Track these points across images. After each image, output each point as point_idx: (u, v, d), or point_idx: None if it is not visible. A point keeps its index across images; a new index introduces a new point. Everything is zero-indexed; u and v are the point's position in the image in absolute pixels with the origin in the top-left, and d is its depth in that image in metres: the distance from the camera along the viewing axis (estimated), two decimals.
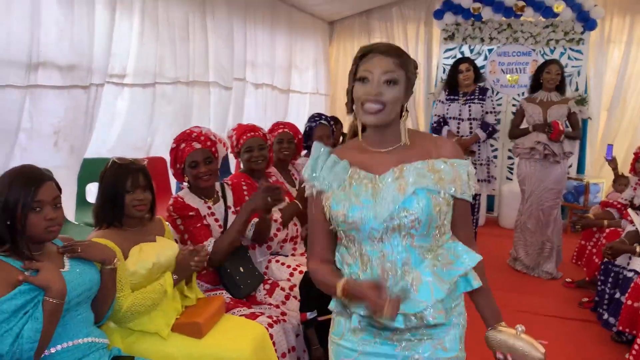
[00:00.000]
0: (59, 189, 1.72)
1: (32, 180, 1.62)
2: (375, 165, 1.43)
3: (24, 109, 2.89)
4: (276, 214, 2.84)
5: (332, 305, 1.49)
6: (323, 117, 3.62)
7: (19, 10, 2.74)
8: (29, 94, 2.90)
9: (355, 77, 1.41)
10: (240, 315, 2.37)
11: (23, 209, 1.59)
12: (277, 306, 2.58)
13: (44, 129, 3.08)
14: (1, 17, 2.67)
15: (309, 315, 2.48)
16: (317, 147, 1.48)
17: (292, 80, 6.37)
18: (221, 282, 2.54)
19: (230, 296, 2.53)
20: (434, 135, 1.50)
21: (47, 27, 2.92)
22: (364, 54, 1.41)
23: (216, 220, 2.54)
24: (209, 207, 2.54)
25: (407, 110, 1.46)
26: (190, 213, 2.45)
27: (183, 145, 2.49)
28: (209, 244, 2.43)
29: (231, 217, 2.59)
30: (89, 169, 3.36)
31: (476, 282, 1.43)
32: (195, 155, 2.46)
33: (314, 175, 1.46)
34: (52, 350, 1.66)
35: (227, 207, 2.63)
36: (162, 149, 4.18)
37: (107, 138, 3.76)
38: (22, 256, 1.62)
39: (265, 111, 5.74)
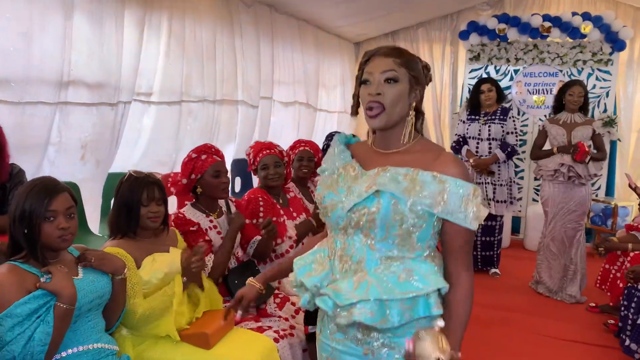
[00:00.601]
0: (75, 200, 1.79)
1: (47, 191, 1.70)
2: (369, 162, 1.47)
3: (53, 124, 3.04)
4: (291, 231, 2.88)
5: (303, 302, 1.50)
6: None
7: (52, 31, 2.90)
8: (59, 110, 3.05)
9: (359, 81, 1.45)
10: (248, 329, 2.40)
11: (37, 219, 1.67)
12: (287, 319, 2.61)
13: (72, 143, 3.22)
14: (36, 37, 2.83)
15: (311, 329, 2.50)
16: (338, 137, 1.58)
17: (320, 99, 6.47)
18: (230, 294, 2.58)
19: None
20: (446, 151, 1.49)
21: (78, 47, 3.08)
22: (368, 59, 1.44)
23: (218, 232, 2.59)
24: (211, 221, 2.59)
25: (418, 111, 1.46)
26: (192, 228, 2.50)
27: (204, 155, 2.56)
28: (210, 260, 2.48)
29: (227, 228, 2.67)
30: (113, 183, 3.45)
31: (435, 310, 1.35)
32: (219, 166, 2.60)
33: (326, 161, 1.55)
34: (63, 354, 1.72)
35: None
36: None
37: (133, 153, 3.89)
38: (39, 262, 1.70)
39: (296, 129, 5.83)
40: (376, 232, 1.37)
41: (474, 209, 1.36)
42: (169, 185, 2.56)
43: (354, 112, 1.51)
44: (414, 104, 1.45)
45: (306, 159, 3.32)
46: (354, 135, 1.65)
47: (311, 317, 2.49)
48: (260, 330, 2.40)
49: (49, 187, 1.72)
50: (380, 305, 1.33)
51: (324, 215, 1.48)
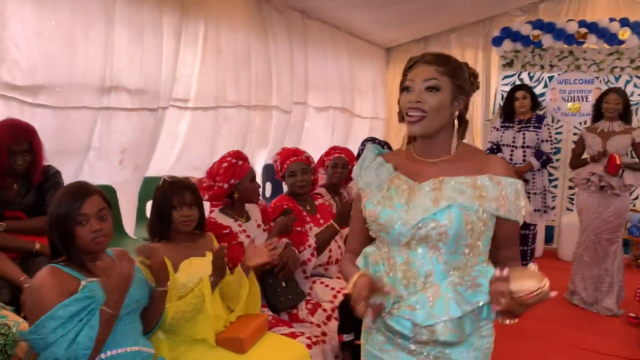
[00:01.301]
0: (107, 202, 1.80)
1: (77, 195, 1.73)
2: (417, 173, 1.44)
3: (95, 129, 3.12)
4: (311, 239, 2.86)
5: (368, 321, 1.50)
6: (376, 140, 3.67)
7: (95, 39, 2.99)
8: (101, 116, 3.13)
9: (401, 87, 1.44)
10: (281, 334, 2.42)
11: (70, 223, 1.70)
12: (319, 325, 2.61)
13: (112, 148, 3.30)
14: (80, 45, 2.92)
15: (346, 337, 2.49)
16: (369, 148, 1.55)
17: (354, 104, 6.48)
18: (263, 294, 2.60)
19: (272, 314, 2.58)
20: (488, 153, 1.48)
21: (119, 54, 3.16)
22: (411, 65, 1.43)
23: (248, 236, 2.60)
24: (240, 225, 2.61)
25: (461, 120, 1.44)
26: (225, 231, 2.53)
27: (241, 162, 2.60)
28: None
29: (261, 234, 2.68)
30: (149, 187, 3.54)
31: (497, 312, 1.32)
32: (252, 172, 2.65)
33: (359, 174, 1.52)
34: (102, 356, 1.73)
35: (257, 225, 2.72)
36: None
37: (168, 158, 3.96)
38: (79, 265, 1.73)
39: (330, 134, 5.86)
40: (447, 245, 1.35)
41: (523, 203, 1.38)
42: (204, 192, 2.59)
43: (401, 119, 1.47)
44: (457, 113, 1.42)
45: (340, 166, 3.32)
46: (382, 146, 1.63)
47: (345, 325, 2.50)
48: (292, 335, 2.41)
49: (79, 191, 1.74)
50: (458, 320, 1.35)
51: (379, 232, 1.44)
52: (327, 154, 3.40)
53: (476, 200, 1.34)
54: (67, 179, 2.79)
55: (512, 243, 1.44)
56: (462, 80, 1.41)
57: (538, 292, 1.18)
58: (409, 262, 1.39)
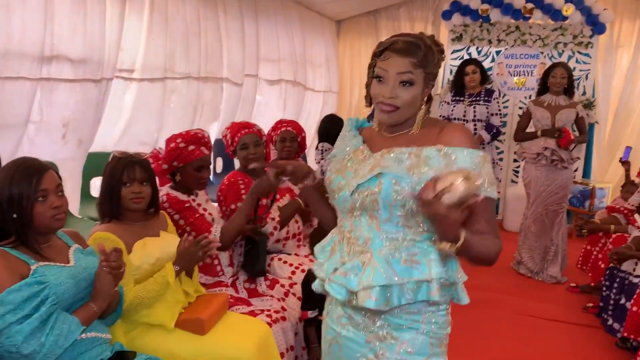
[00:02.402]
0: (59, 178, 1.72)
1: (33, 170, 1.62)
2: (377, 145, 1.46)
3: (34, 101, 2.90)
4: (274, 212, 2.83)
5: (315, 285, 1.52)
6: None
7: (33, 3, 2.75)
8: (41, 87, 2.92)
9: (372, 73, 1.41)
10: (241, 313, 2.37)
11: (28, 200, 1.59)
12: (279, 299, 2.58)
13: (53, 121, 3.09)
14: (16, 9, 2.69)
15: (310, 314, 2.48)
16: (347, 121, 1.59)
17: (307, 77, 6.38)
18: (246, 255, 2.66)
19: (232, 294, 2.54)
20: (449, 122, 1.49)
21: (60, 20, 2.93)
22: (382, 50, 1.39)
23: (204, 209, 2.55)
24: (194, 200, 2.54)
25: (428, 100, 1.43)
26: (186, 205, 2.46)
27: (192, 147, 2.47)
28: (216, 231, 2.44)
29: (208, 205, 2.64)
30: (94, 163, 3.38)
31: (434, 296, 1.33)
32: (204, 161, 2.52)
33: (338, 145, 1.56)
34: None
35: (207, 200, 2.67)
36: None
37: (113, 132, 3.77)
38: (30, 248, 1.63)
39: (282, 108, 5.76)
40: (380, 213, 1.36)
41: (487, 175, 1.32)
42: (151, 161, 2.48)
43: (368, 103, 1.49)
44: (425, 98, 1.43)
45: (289, 139, 3.25)
46: (368, 120, 1.62)
47: (309, 302, 2.48)
48: (252, 314, 2.37)
49: (34, 167, 1.64)
50: (382, 289, 1.34)
51: (332, 200, 1.49)
52: (274, 128, 3.31)
53: (411, 170, 1.32)
54: (6, 155, 2.59)
55: (477, 217, 1.34)
56: (432, 67, 1.39)
57: (462, 182, 1.15)
58: (352, 229, 1.43)
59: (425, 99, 1.43)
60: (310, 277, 2.55)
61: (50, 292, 1.57)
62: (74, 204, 3.40)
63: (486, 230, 1.36)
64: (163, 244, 2.11)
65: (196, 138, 2.50)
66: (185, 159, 2.45)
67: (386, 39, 1.42)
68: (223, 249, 2.51)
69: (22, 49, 2.73)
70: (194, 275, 2.28)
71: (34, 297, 1.55)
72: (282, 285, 2.66)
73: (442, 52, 1.44)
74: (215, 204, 2.78)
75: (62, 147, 3.19)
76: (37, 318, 1.53)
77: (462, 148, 1.32)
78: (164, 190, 2.48)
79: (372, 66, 1.43)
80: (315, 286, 1.50)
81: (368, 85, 1.45)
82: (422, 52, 1.36)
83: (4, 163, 1.75)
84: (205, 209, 2.55)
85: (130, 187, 2.04)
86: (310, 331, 2.53)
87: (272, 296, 2.60)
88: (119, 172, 2.03)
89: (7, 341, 1.51)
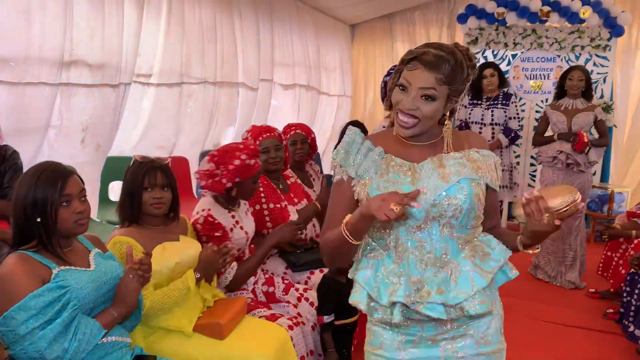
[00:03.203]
0: (82, 183, 1.73)
1: (58, 175, 1.63)
2: (411, 154, 1.42)
3: (54, 106, 2.94)
4: (293, 216, 2.83)
5: (354, 299, 1.43)
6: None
7: (53, 9, 2.79)
8: (60, 92, 2.95)
9: (397, 80, 1.40)
10: (261, 317, 2.37)
11: (53, 205, 1.60)
12: (295, 305, 2.58)
13: (73, 126, 3.12)
14: (35, 15, 2.72)
15: (326, 318, 2.47)
16: (352, 132, 1.47)
17: (321, 81, 6.39)
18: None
19: (252, 297, 2.54)
20: (462, 131, 1.58)
21: (78, 26, 2.97)
22: (410, 59, 1.37)
23: (241, 228, 2.52)
24: (233, 217, 2.50)
25: (450, 115, 1.44)
26: (217, 234, 2.38)
27: (252, 161, 2.41)
28: (232, 270, 2.42)
29: (248, 220, 2.62)
30: (112, 167, 3.41)
31: (513, 273, 1.44)
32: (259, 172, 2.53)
33: (348, 160, 1.43)
34: None
35: (246, 212, 2.64)
36: (186, 149, 4.22)
37: (131, 137, 3.80)
38: (52, 253, 1.63)
39: (296, 112, 5.77)
40: (459, 218, 1.36)
41: (499, 174, 1.46)
42: (198, 178, 2.45)
43: (388, 107, 1.47)
44: (448, 113, 1.44)
45: (300, 142, 3.27)
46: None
47: (325, 306, 2.47)
48: (273, 317, 2.36)
49: (59, 171, 1.65)
50: (484, 290, 1.37)
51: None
52: (284, 132, 3.31)
53: (476, 171, 1.38)
54: (26, 159, 2.63)
55: (495, 211, 1.52)
56: (459, 83, 1.37)
57: (574, 202, 1.27)
58: (422, 244, 1.37)
59: (448, 113, 1.42)
60: (326, 281, 2.55)
61: (71, 297, 1.58)
62: (92, 208, 3.42)
63: (499, 224, 1.56)
64: (183, 249, 2.11)
65: (255, 151, 2.47)
66: (247, 173, 2.42)
67: (418, 47, 1.39)
68: (231, 289, 2.48)
69: (42, 55, 2.76)
70: (213, 281, 2.28)
71: (56, 302, 1.55)
72: (297, 289, 2.66)
73: (473, 67, 1.41)
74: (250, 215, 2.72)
75: (81, 151, 3.22)
76: (60, 323, 1.53)
77: (486, 150, 1.45)
78: (206, 206, 2.41)
79: (398, 72, 1.41)
80: (396, 316, 1.37)
81: (391, 90, 1.42)
82: (450, 67, 1.33)
83: (25, 167, 1.76)
84: (241, 227, 2.51)
85: (151, 192, 2.05)
86: (327, 336, 2.51)
87: (288, 302, 2.60)
88: (141, 177, 2.04)
89: (31, 347, 1.51)
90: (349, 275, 1.48)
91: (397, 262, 1.39)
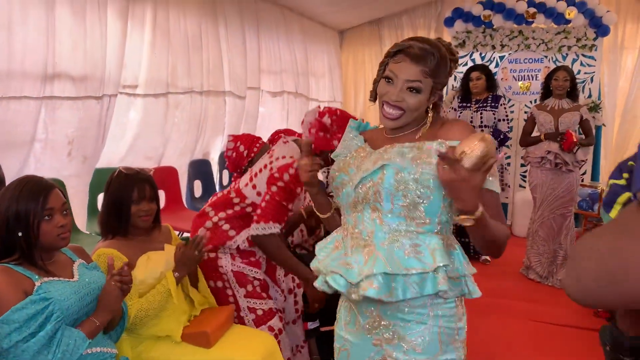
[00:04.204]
0: (66, 197, 1.74)
1: (40, 189, 1.65)
2: (379, 144, 1.48)
3: (39, 119, 2.94)
4: None
5: (318, 282, 1.48)
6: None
7: (34, 22, 2.80)
8: (44, 105, 2.95)
9: (383, 73, 1.44)
10: (259, 309, 2.38)
11: (35, 218, 1.61)
12: (285, 298, 2.58)
13: (59, 139, 3.12)
14: (17, 29, 2.72)
15: (311, 325, 2.47)
16: (350, 123, 1.60)
17: (310, 88, 6.40)
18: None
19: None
20: (452, 119, 1.52)
21: (61, 39, 2.97)
22: (396, 52, 1.41)
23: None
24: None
25: (433, 110, 1.45)
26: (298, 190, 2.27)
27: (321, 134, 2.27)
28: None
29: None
30: (101, 179, 3.39)
31: (441, 286, 1.31)
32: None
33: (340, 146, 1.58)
34: None
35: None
36: (173, 159, 4.22)
37: (119, 148, 3.80)
38: (34, 265, 1.64)
39: (285, 119, 5.78)
40: (382, 204, 1.36)
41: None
42: (309, 124, 2.20)
43: (373, 99, 1.51)
44: (431, 105, 1.45)
45: None
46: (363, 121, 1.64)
47: (310, 313, 2.47)
48: (270, 313, 2.37)
49: (40, 185, 1.66)
50: (385, 279, 1.32)
51: (336, 197, 1.50)
52: (271, 141, 3.30)
53: (414, 162, 1.34)
54: (13, 173, 2.63)
55: (486, 209, 1.29)
56: (443, 76, 1.42)
57: (482, 142, 1.18)
58: (356, 224, 1.43)
59: (431, 105, 1.45)
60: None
61: (55, 308, 1.58)
62: (81, 220, 3.43)
63: (496, 219, 1.36)
64: (167, 258, 2.11)
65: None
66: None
67: (403, 40, 1.43)
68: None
69: (25, 69, 2.76)
70: (200, 283, 2.28)
71: (39, 314, 1.55)
72: (293, 279, 2.66)
73: (456, 61, 1.46)
74: None
75: (68, 163, 3.21)
76: (44, 335, 1.53)
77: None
78: (293, 154, 2.28)
79: (383, 64, 1.45)
80: (318, 283, 1.47)
81: (376, 82, 1.47)
82: (435, 61, 1.38)
83: (9, 181, 1.77)
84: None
85: (139, 204, 2.05)
86: (311, 342, 2.52)
87: (282, 291, 2.59)
88: (129, 189, 2.04)
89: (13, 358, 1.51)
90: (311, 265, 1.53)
91: (343, 237, 1.47)
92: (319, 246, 1.55)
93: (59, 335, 1.57)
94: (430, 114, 1.45)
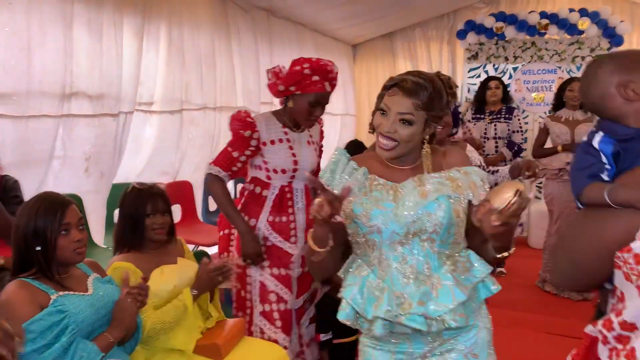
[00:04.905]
0: (82, 212, 1.80)
1: (57, 205, 1.70)
2: (393, 175, 1.50)
3: (57, 137, 3.02)
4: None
5: (343, 317, 1.48)
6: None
7: (53, 43, 2.89)
8: (62, 123, 3.04)
9: (378, 104, 1.48)
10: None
11: (52, 233, 1.66)
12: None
13: (76, 155, 3.20)
14: (36, 50, 2.82)
15: (323, 337, 2.49)
16: (339, 152, 1.55)
17: None
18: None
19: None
20: (441, 147, 1.56)
21: (78, 59, 3.06)
22: (391, 86, 1.45)
23: (290, 147, 2.41)
24: (286, 133, 2.41)
25: (431, 139, 1.51)
26: (243, 132, 2.35)
27: (317, 77, 2.26)
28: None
29: (305, 149, 2.46)
30: (117, 194, 3.43)
31: (494, 287, 1.47)
32: (322, 97, 2.31)
33: (334, 179, 1.51)
34: None
35: (308, 142, 2.49)
36: (189, 174, 4.29)
37: (136, 164, 3.87)
38: (51, 279, 1.68)
39: None
40: (439, 234, 1.41)
41: (488, 187, 1.46)
42: (270, 76, 2.34)
43: (371, 130, 1.56)
44: (427, 137, 1.49)
45: None
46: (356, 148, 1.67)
47: (323, 324, 2.49)
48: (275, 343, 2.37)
49: (57, 201, 1.71)
50: (463, 304, 1.40)
51: (370, 234, 1.45)
52: None
53: (456, 189, 1.43)
54: (32, 190, 2.70)
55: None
56: (438, 110, 1.45)
57: (516, 196, 1.22)
58: (404, 259, 1.43)
59: (427, 137, 1.49)
60: (325, 299, 2.57)
61: (70, 321, 1.62)
62: (98, 235, 3.50)
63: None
64: (180, 271, 2.15)
65: (324, 70, 2.29)
66: (305, 88, 2.26)
67: (399, 75, 1.48)
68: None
69: (43, 88, 2.85)
70: (215, 299, 2.31)
71: (55, 326, 1.59)
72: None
73: (454, 95, 1.56)
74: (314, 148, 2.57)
75: (86, 180, 3.29)
76: (59, 347, 1.57)
77: (467, 167, 1.48)
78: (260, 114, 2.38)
79: (380, 97, 1.49)
80: (377, 329, 1.43)
81: (374, 113, 1.52)
82: (428, 94, 1.41)
83: (29, 197, 1.83)
84: (292, 148, 2.39)
85: (153, 218, 2.10)
86: (324, 354, 2.53)
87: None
88: (143, 203, 2.09)
89: None
90: (338, 295, 1.52)
91: (381, 277, 1.45)
92: (348, 294, 1.47)
93: (73, 347, 1.60)
94: (426, 147, 1.49)
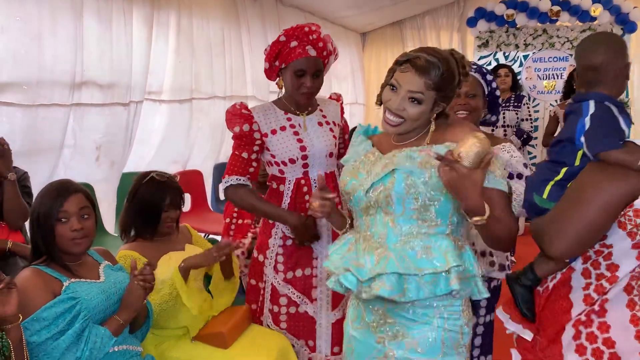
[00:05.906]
0: (91, 202, 1.77)
1: (60, 192, 1.70)
2: (388, 148, 1.51)
3: (68, 126, 3.05)
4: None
5: (329, 282, 1.54)
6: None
7: (63, 32, 2.91)
8: (73, 112, 3.06)
9: (389, 79, 1.46)
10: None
11: (50, 220, 1.67)
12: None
13: (87, 144, 3.23)
14: (47, 39, 2.84)
15: None
16: (358, 128, 1.66)
17: (332, 90, 6.41)
18: None
19: None
20: (453, 120, 1.52)
21: (89, 48, 3.08)
22: (403, 62, 1.43)
23: (295, 133, 2.20)
24: (289, 120, 2.21)
25: (439, 116, 1.48)
26: (236, 129, 2.15)
27: (295, 43, 2.04)
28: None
29: (315, 132, 2.22)
30: (128, 183, 3.48)
31: (454, 285, 1.34)
32: (308, 63, 2.06)
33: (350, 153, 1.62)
34: None
35: (320, 123, 2.25)
36: (199, 163, 4.31)
37: (145, 153, 3.90)
38: (62, 266, 1.71)
39: None
40: (394, 207, 1.40)
41: (497, 168, 1.38)
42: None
43: (379, 102, 1.53)
44: (435, 115, 1.47)
45: None
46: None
47: None
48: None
49: (62, 188, 1.72)
50: (398, 279, 1.37)
51: (348, 202, 1.54)
52: None
53: (423, 165, 1.37)
54: (43, 179, 2.73)
55: (493, 206, 1.33)
56: (448, 90, 1.42)
57: (478, 141, 1.25)
58: (368, 227, 1.48)
59: (435, 115, 1.46)
60: None
61: (82, 307, 1.65)
62: (110, 223, 3.54)
63: (502, 216, 1.37)
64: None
65: (302, 33, 2.05)
66: (285, 57, 2.04)
67: (412, 50, 1.45)
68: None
69: (54, 77, 2.87)
70: (235, 276, 2.31)
71: (67, 313, 1.62)
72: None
73: (465, 74, 1.47)
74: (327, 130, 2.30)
75: (96, 169, 3.32)
76: (72, 334, 1.60)
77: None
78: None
79: (391, 71, 1.47)
80: (330, 284, 1.52)
81: (383, 87, 1.49)
82: (440, 74, 1.38)
83: (40, 186, 1.84)
84: (297, 133, 2.17)
85: (168, 212, 2.10)
86: None
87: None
88: (162, 197, 2.07)
89: (45, 358, 1.58)
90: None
91: (356, 240, 1.51)
92: (331, 248, 1.59)
93: (86, 333, 1.63)
94: (432, 125, 1.47)
